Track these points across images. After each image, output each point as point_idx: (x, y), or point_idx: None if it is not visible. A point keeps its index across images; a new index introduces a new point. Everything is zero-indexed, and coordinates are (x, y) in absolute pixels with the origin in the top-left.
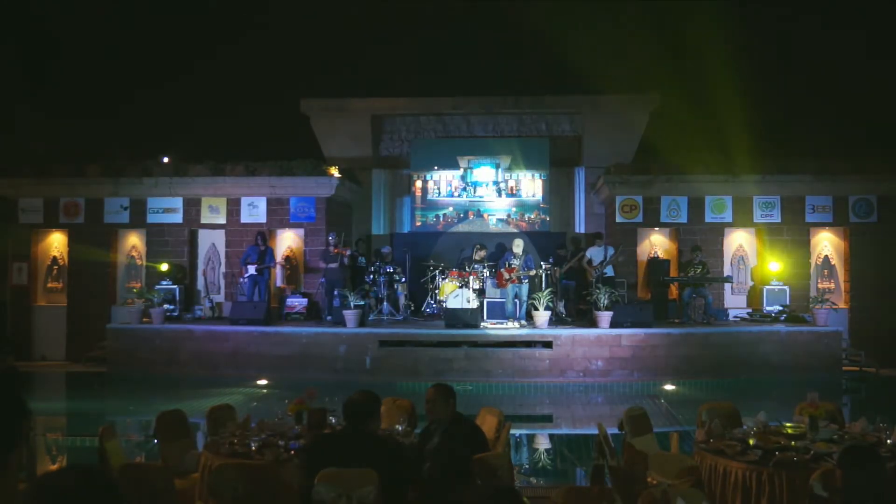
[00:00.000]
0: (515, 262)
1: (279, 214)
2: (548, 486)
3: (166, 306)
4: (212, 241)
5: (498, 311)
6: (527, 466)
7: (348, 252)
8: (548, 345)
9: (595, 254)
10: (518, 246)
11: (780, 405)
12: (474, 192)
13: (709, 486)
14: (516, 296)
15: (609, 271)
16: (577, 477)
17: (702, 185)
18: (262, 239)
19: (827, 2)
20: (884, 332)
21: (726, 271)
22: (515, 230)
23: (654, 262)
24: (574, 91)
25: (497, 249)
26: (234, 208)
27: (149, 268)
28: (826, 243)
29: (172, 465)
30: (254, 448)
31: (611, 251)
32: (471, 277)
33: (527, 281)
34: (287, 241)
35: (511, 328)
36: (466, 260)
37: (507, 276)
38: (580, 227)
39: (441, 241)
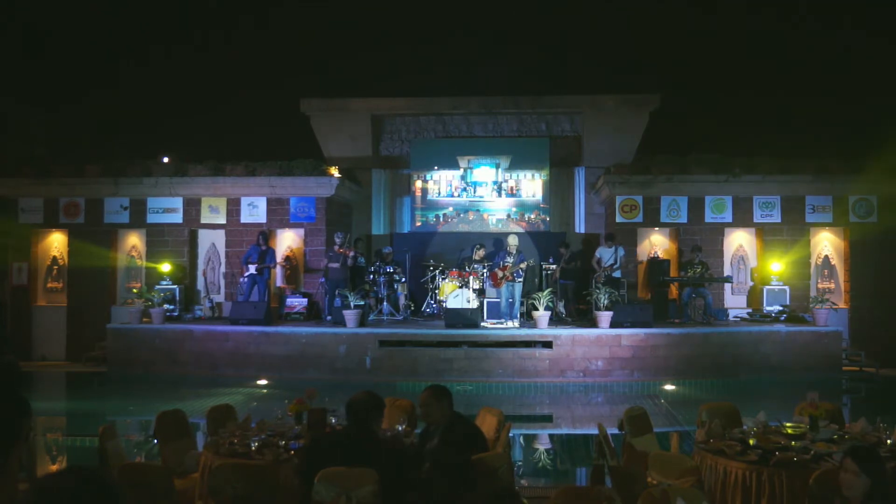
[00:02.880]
0: (509, 260)
1: (279, 214)
2: (548, 486)
3: (166, 306)
4: (212, 241)
5: (498, 311)
6: (527, 466)
7: (352, 253)
8: (548, 345)
9: (604, 254)
10: (513, 241)
11: (780, 405)
12: (474, 192)
13: (709, 486)
14: (511, 296)
15: (616, 272)
16: (577, 477)
17: (702, 185)
18: (263, 239)
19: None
20: (884, 332)
21: (726, 271)
22: (518, 230)
23: (654, 262)
24: (574, 91)
25: (494, 247)
26: (234, 208)
27: (149, 268)
28: (826, 243)
29: (172, 465)
30: (254, 448)
31: (621, 252)
32: (471, 277)
33: (520, 280)
34: (287, 241)
35: (511, 328)
36: (466, 260)
37: (500, 274)
38: (580, 227)
39: (441, 241)
